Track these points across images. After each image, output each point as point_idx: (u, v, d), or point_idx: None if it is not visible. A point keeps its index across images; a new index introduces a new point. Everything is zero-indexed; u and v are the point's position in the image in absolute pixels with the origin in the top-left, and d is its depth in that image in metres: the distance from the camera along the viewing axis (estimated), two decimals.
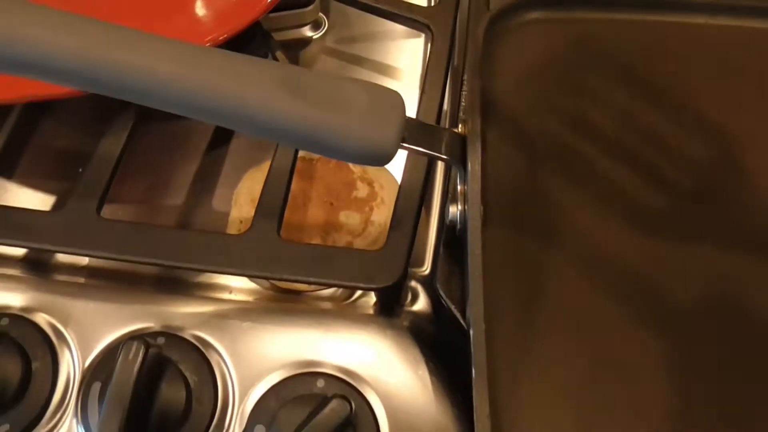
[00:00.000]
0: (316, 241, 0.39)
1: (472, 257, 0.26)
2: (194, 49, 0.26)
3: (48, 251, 0.32)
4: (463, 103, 0.38)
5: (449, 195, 0.30)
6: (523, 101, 0.37)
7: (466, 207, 0.28)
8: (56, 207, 0.38)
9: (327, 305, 0.34)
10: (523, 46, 0.39)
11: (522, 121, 0.36)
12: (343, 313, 0.33)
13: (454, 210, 0.28)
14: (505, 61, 0.38)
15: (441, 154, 0.28)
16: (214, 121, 0.27)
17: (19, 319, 0.28)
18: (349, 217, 0.40)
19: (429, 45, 0.41)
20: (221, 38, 0.37)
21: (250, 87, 0.26)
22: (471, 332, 0.25)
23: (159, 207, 0.41)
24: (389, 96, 0.27)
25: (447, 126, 0.40)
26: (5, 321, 0.27)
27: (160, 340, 0.27)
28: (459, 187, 0.28)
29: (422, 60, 0.49)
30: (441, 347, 0.32)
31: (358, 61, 0.49)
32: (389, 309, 0.33)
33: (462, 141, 0.29)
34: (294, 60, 0.47)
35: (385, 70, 0.49)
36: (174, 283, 0.35)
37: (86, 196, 0.33)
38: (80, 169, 0.42)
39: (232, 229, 0.39)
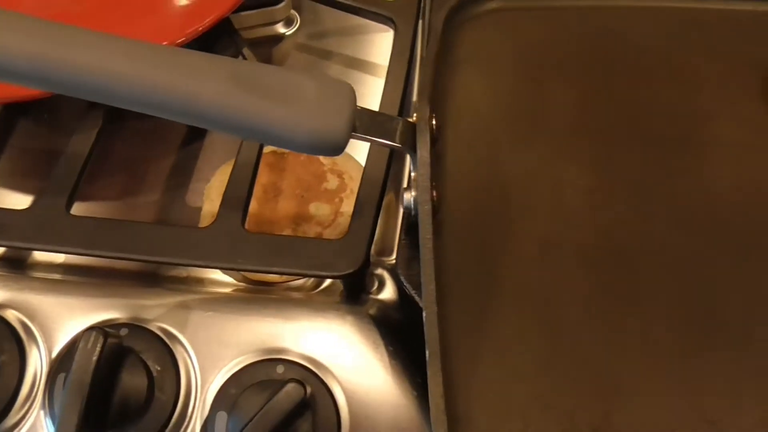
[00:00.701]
0: (287, 232, 0.39)
1: (423, 241, 0.26)
2: (147, 47, 0.27)
3: (19, 248, 0.33)
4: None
5: (406, 183, 0.31)
6: (483, 89, 0.38)
7: (417, 192, 0.29)
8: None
9: (296, 295, 0.35)
10: (484, 35, 0.40)
11: (482, 109, 0.37)
12: (308, 301, 0.33)
13: (408, 196, 0.29)
14: (466, 51, 0.39)
15: (394, 142, 0.29)
16: (167, 117, 0.27)
17: None
18: (319, 209, 0.41)
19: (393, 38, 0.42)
20: (188, 36, 0.38)
21: (200, 82, 0.26)
22: (424, 314, 0.26)
23: (133, 204, 0.42)
24: (339, 87, 0.28)
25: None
26: None
27: (123, 331, 0.27)
28: (413, 174, 0.29)
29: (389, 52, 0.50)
30: (406, 333, 0.33)
31: (331, 56, 0.50)
32: (355, 297, 0.34)
33: (412, 128, 0.30)
34: (266, 57, 0.48)
35: (357, 64, 0.49)
36: (148, 278, 0.36)
37: (56, 194, 0.34)
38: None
39: (204, 223, 0.40)
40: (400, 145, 0.29)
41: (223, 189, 0.41)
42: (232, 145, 0.44)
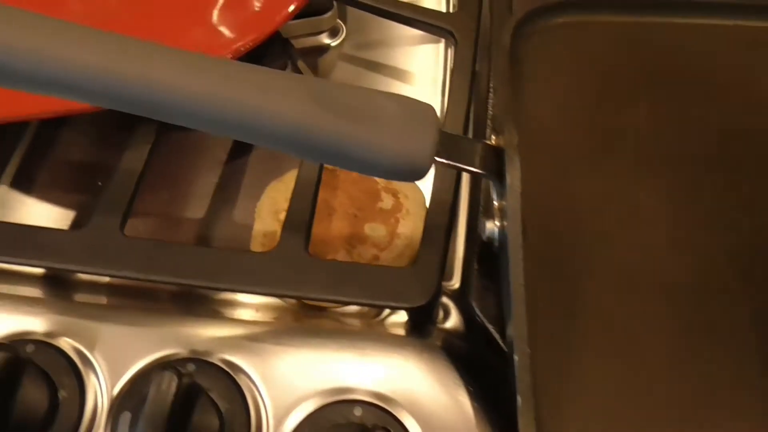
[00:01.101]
0: (342, 254, 0.38)
1: (515, 279, 0.25)
2: (221, 63, 0.26)
3: (71, 272, 0.31)
4: (490, 112, 0.37)
5: (482, 208, 0.29)
6: (551, 108, 0.36)
7: (504, 224, 0.27)
8: (78, 224, 0.37)
9: (355, 322, 0.33)
10: (550, 50, 0.38)
11: (551, 128, 0.35)
12: (373, 332, 0.32)
13: (491, 226, 0.27)
14: (531, 67, 0.37)
15: (476, 168, 0.27)
16: (242, 138, 0.26)
17: (43, 345, 0.27)
18: (375, 230, 0.39)
19: (451, 52, 0.40)
20: (242, 49, 0.36)
21: (280, 102, 0.25)
22: (515, 357, 0.24)
23: (179, 220, 0.40)
24: (422, 109, 0.26)
25: (472, 135, 0.39)
26: (30, 348, 0.27)
27: (191, 367, 0.26)
28: (495, 203, 0.27)
29: (441, 65, 0.48)
30: (475, 365, 0.31)
31: (377, 67, 0.49)
32: (421, 327, 0.32)
33: (496, 153, 0.28)
34: (312, 68, 0.46)
35: (404, 76, 0.48)
36: (195, 302, 0.34)
37: (109, 213, 0.32)
38: (99, 183, 0.42)
39: (256, 243, 0.38)
40: (482, 172, 0.27)
41: (275, 207, 0.40)
42: (279, 161, 0.42)
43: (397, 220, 0.40)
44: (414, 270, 0.30)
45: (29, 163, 0.42)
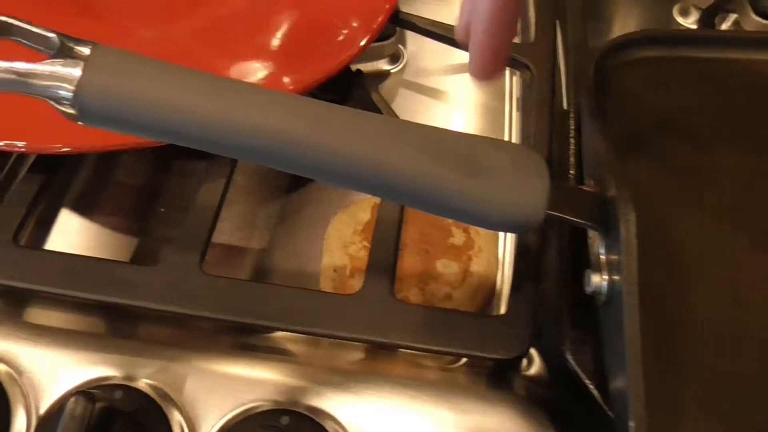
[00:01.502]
0: (414, 292, 0.37)
1: (630, 341, 0.24)
2: (321, 106, 0.25)
3: (148, 309, 0.30)
4: (571, 148, 0.36)
5: (591, 261, 0.28)
6: (635, 146, 0.35)
7: (614, 278, 0.26)
8: (151, 257, 0.36)
9: (429, 364, 0.33)
10: (631, 86, 0.37)
11: (638, 169, 0.34)
12: (451, 380, 0.31)
13: (598, 280, 0.26)
14: (613, 104, 0.36)
15: (585, 220, 0.26)
16: (343, 185, 0.25)
17: (128, 390, 0.27)
18: (447, 267, 0.38)
19: (517, 81, 0.39)
20: (315, 84, 0.35)
21: (387, 149, 0.24)
22: (631, 424, 0.23)
23: (244, 251, 0.39)
24: (532, 159, 0.25)
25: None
26: (118, 394, 0.26)
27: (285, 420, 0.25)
28: (602, 256, 0.26)
29: (505, 94, 0.47)
30: (560, 414, 0.30)
31: (438, 95, 0.48)
32: (503, 375, 0.31)
33: (605, 204, 0.27)
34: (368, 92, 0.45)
35: (465, 104, 0.47)
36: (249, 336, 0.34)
37: (187, 249, 0.31)
38: (162, 209, 0.41)
39: (326, 278, 0.37)
40: (591, 224, 0.26)
41: (343, 240, 0.39)
42: (344, 192, 0.41)
43: (470, 258, 0.39)
44: (504, 319, 0.29)
45: (91, 187, 0.41)
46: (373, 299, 0.30)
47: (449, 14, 0.52)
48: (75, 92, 0.22)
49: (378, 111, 0.40)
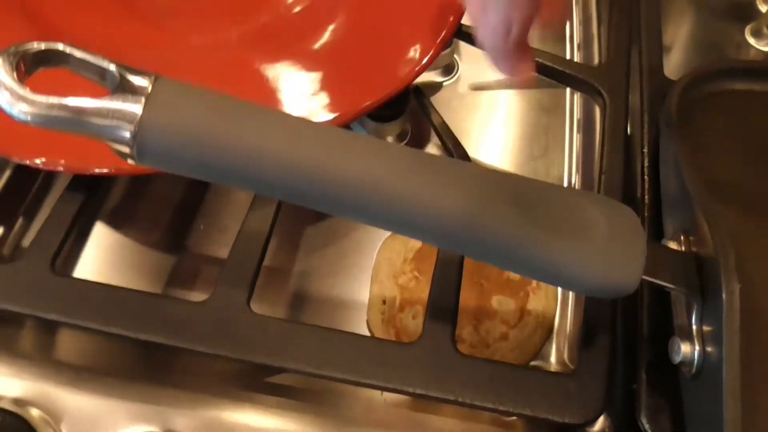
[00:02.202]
0: (468, 330, 0.35)
1: (731, 427, 0.21)
2: (402, 151, 0.22)
3: (200, 353, 0.28)
4: (646, 187, 0.34)
5: (677, 328, 0.25)
6: (721, 190, 0.32)
7: (707, 349, 0.23)
8: (191, 284, 0.35)
9: (481, 416, 0.30)
10: (714, 121, 0.34)
11: (729, 216, 0.31)
12: None
13: (688, 350, 0.24)
14: (695, 140, 0.33)
15: (680, 286, 0.24)
16: (425, 240, 0.23)
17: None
18: (503, 304, 0.36)
19: (578, 101, 0.36)
20: (375, 105, 0.33)
21: (478, 204, 0.21)
22: None
23: (286, 273, 0.37)
24: (627, 216, 0.23)
25: None
26: None
27: None
28: (694, 325, 0.24)
29: (565, 115, 0.44)
30: None
31: (492, 110, 0.45)
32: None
33: (696, 266, 0.24)
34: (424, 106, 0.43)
35: (521, 123, 0.44)
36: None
37: (234, 285, 0.29)
38: (201, 226, 0.39)
39: (374, 310, 0.35)
40: (687, 291, 0.24)
41: (393, 269, 0.37)
42: None
43: (527, 294, 0.36)
44: (576, 378, 0.27)
45: (127, 200, 0.39)
46: (433, 350, 0.28)
47: None
48: (135, 132, 0.20)
49: (433, 126, 0.38)
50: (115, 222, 0.38)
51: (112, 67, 0.20)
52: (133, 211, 0.39)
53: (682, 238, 0.26)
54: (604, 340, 0.28)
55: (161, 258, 0.37)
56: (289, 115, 0.21)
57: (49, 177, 0.37)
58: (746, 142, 0.34)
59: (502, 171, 0.23)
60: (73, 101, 0.19)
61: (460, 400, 0.27)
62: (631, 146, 0.36)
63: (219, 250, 0.38)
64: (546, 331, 0.35)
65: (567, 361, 0.34)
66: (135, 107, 0.20)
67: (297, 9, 0.37)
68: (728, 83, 0.35)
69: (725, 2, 0.52)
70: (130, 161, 0.21)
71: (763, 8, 0.51)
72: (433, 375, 0.27)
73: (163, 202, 0.39)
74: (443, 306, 0.29)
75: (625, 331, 0.30)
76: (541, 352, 0.35)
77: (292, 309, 0.36)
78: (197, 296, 0.35)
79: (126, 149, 0.20)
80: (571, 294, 0.36)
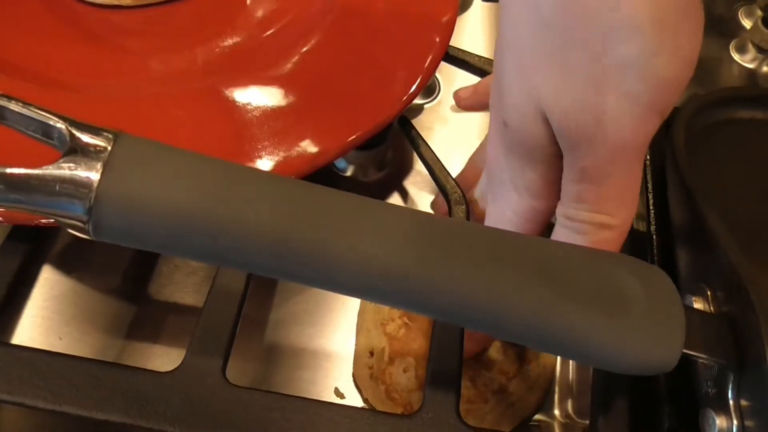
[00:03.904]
0: (465, 384, 0.32)
1: None
2: (405, 219, 0.19)
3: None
4: (653, 228, 0.31)
5: (709, 397, 0.23)
6: (741, 225, 0.30)
7: (746, 424, 0.21)
8: (152, 337, 0.31)
9: None
10: (718, 151, 0.32)
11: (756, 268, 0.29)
12: None
13: (724, 425, 0.21)
14: (698, 168, 0.31)
15: (717, 357, 0.21)
16: (431, 316, 0.20)
17: None
18: (501, 352, 0.33)
19: None
20: (362, 138, 0.30)
21: (496, 277, 0.18)
22: None
23: (260, 323, 0.34)
24: (661, 282, 0.20)
25: None
26: None
27: None
28: (731, 399, 0.22)
29: None
30: None
31: (477, 135, 0.42)
32: None
33: (728, 328, 0.22)
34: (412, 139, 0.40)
35: None
36: None
37: (209, 353, 0.25)
38: (164, 270, 0.35)
39: (360, 364, 0.32)
40: (724, 362, 0.21)
41: (380, 317, 0.34)
42: None
43: None
44: None
45: (80, 241, 0.35)
46: (436, 422, 0.25)
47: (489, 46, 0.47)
48: (89, 206, 0.16)
49: (419, 153, 0.35)
50: (66, 268, 0.34)
51: (60, 125, 0.16)
52: (85, 254, 0.35)
53: (708, 293, 0.24)
54: (622, 402, 0.26)
55: (120, 308, 0.33)
56: (278, 179, 0.18)
57: None
58: (755, 175, 0.32)
59: (517, 233, 0.20)
60: (12, 170, 0.15)
61: None
62: None
63: (186, 297, 0.34)
64: (546, 382, 0.33)
65: (572, 413, 0.32)
66: (90, 174, 0.16)
67: (270, 31, 0.33)
68: (731, 111, 0.33)
69: (706, 18, 0.50)
70: (81, 235, 0.17)
71: (746, 23, 0.50)
72: None
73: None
74: (445, 368, 0.26)
75: (638, 391, 0.27)
76: (543, 404, 0.32)
77: (267, 364, 0.32)
78: (162, 357, 0.31)
79: (79, 224, 0.17)
80: None
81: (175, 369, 0.25)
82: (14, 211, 0.26)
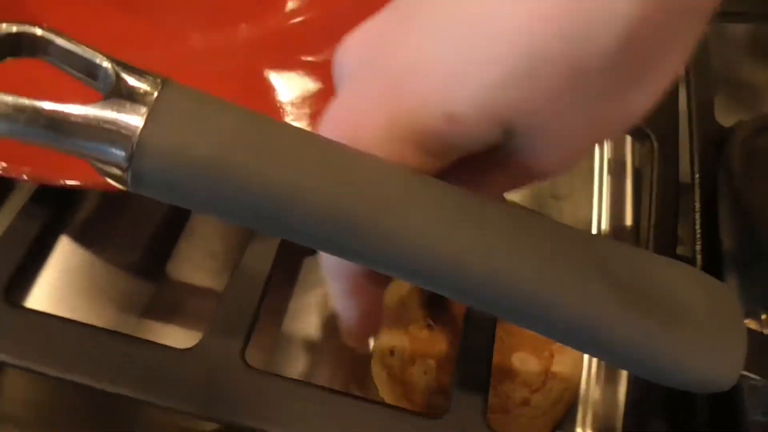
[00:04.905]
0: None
1: None
2: (488, 211, 0.18)
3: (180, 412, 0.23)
4: (698, 246, 0.30)
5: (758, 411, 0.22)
6: None
7: None
8: (170, 314, 0.30)
9: None
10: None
11: None
12: None
13: None
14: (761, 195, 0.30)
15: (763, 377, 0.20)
16: (484, 309, 0.18)
17: None
18: (525, 363, 0.32)
19: (649, 158, 0.32)
20: None
21: (557, 272, 0.17)
22: None
23: (278, 310, 0.33)
24: (726, 298, 0.19)
25: None
26: None
27: None
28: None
29: (594, 152, 0.41)
30: None
31: None
32: None
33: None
34: None
35: None
36: None
37: (229, 333, 0.24)
38: (185, 250, 0.34)
39: (380, 363, 0.30)
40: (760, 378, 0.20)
41: (404, 315, 0.32)
42: None
43: (552, 355, 0.32)
44: None
45: (101, 213, 0.34)
46: (462, 428, 0.23)
47: None
48: (131, 153, 0.15)
49: None
50: (84, 239, 0.33)
51: (107, 64, 0.15)
52: (106, 227, 0.34)
53: (762, 317, 0.23)
54: (658, 425, 0.24)
55: (136, 285, 0.32)
56: (337, 145, 0.16)
57: (7, 185, 0.32)
58: None
59: (579, 230, 0.19)
60: (50, 106, 0.14)
61: None
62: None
63: (205, 279, 0.33)
64: (571, 397, 0.31)
65: None
66: (134, 119, 0.15)
67: (315, 13, 0.33)
68: None
69: (760, 43, 0.49)
70: (119, 186, 0.16)
71: None
72: None
73: (142, 219, 0.34)
74: (474, 372, 0.25)
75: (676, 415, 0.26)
76: (564, 420, 0.31)
77: (284, 356, 0.31)
78: (176, 337, 0.30)
79: (117, 171, 0.16)
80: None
81: (194, 347, 0.24)
82: (41, 171, 0.25)
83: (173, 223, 0.34)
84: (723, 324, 0.18)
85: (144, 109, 0.15)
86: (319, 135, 0.17)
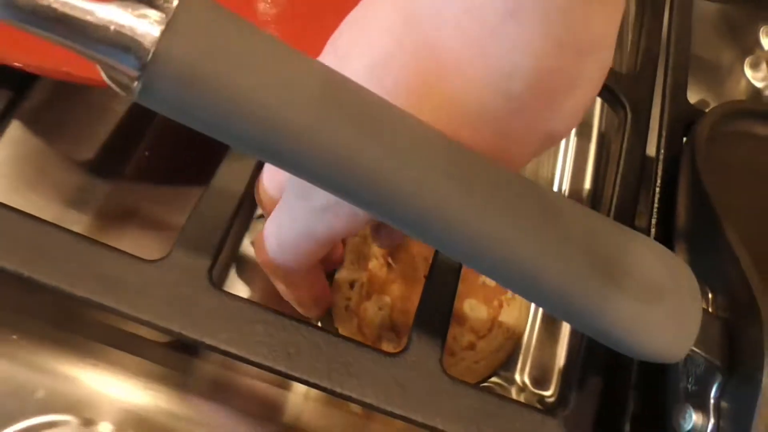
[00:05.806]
0: None
1: None
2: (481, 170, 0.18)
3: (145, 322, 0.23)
4: (653, 219, 0.32)
5: (687, 392, 0.23)
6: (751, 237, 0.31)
7: (721, 424, 0.22)
8: (128, 218, 0.29)
9: None
10: (732, 162, 0.33)
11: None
12: None
13: (701, 421, 0.22)
14: (720, 180, 0.31)
15: (713, 357, 0.22)
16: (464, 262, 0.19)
17: None
18: (474, 309, 0.33)
19: (620, 126, 0.33)
20: None
21: (542, 242, 0.18)
22: None
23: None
24: (686, 277, 0.20)
25: None
26: None
27: None
28: (712, 399, 0.22)
29: None
30: None
31: None
32: None
33: (726, 333, 0.22)
34: None
35: None
36: None
37: (197, 249, 0.24)
38: (146, 153, 0.32)
39: (339, 293, 0.31)
40: (717, 362, 0.22)
41: (365, 251, 0.33)
42: None
43: (501, 305, 0.33)
44: (567, 417, 0.25)
45: (58, 101, 0.32)
46: (418, 366, 0.24)
47: None
48: (145, 61, 0.14)
49: None
50: (37, 126, 0.31)
51: None
52: (62, 116, 0.32)
53: (710, 296, 0.24)
54: (595, 382, 0.26)
55: (91, 183, 0.31)
56: (352, 82, 0.16)
57: None
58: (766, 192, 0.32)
59: (559, 196, 0.19)
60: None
61: (440, 427, 0.23)
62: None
63: (167, 191, 0.32)
64: (513, 346, 0.33)
65: (529, 382, 0.32)
66: (152, 27, 0.14)
67: None
68: (753, 125, 0.33)
69: (728, 24, 0.50)
70: (122, 93, 0.15)
71: (765, 44, 0.50)
72: (414, 396, 0.24)
73: (102, 114, 0.32)
74: (435, 316, 0.25)
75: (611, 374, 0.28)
76: (505, 365, 0.33)
77: (245, 275, 0.31)
78: (132, 245, 0.29)
79: (125, 79, 0.15)
80: (540, 310, 0.34)
81: (160, 259, 0.23)
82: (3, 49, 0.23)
83: (136, 123, 0.32)
84: (682, 301, 0.20)
85: (162, 16, 0.14)
86: (335, 71, 0.16)
